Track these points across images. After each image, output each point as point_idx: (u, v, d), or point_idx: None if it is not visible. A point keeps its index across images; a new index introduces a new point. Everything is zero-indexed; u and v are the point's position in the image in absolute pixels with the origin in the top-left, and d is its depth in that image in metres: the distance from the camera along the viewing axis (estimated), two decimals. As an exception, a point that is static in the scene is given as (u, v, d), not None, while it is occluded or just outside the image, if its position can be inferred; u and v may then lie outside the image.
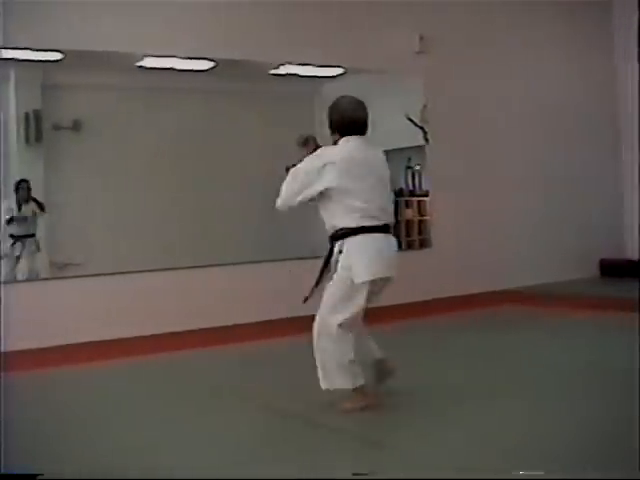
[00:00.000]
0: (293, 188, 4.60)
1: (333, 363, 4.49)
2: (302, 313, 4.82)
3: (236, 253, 8.17)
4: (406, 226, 9.50)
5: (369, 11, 8.80)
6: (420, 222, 9.59)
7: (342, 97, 4.81)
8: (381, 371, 4.83)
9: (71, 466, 3.79)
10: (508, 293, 9.15)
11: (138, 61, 7.78)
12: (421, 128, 9.26)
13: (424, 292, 8.65)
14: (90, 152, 7.70)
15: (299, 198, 4.59)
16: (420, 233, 9.57)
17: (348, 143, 4.65)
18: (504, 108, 10.06)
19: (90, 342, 6.93)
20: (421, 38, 9.30)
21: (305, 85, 8.84)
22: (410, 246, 9.68)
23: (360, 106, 4.75)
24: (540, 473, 3.34)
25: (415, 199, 9.75)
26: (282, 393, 5.06)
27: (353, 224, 4.50)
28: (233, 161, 8.40)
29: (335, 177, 4.49)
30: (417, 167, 9.66)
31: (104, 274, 7.44)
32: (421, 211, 9.61)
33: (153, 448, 4.05)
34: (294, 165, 4.67)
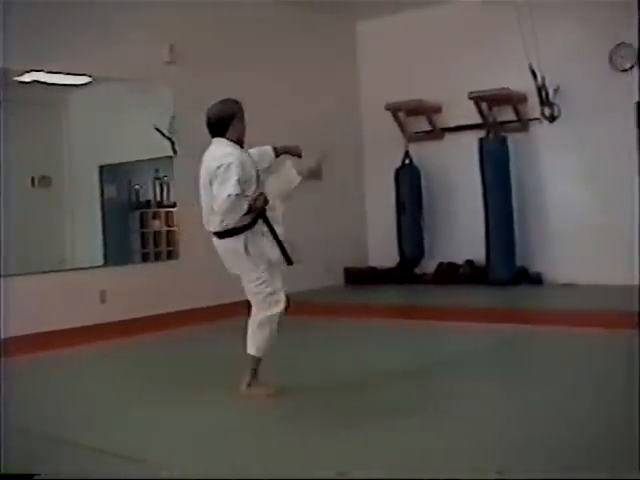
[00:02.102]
0: None
1: None
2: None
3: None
4: (154, 237, 9.35)
5: (118, 20, 8.55)
6: (168, 233, 9.25)
7: None
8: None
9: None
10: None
11: None
12: (169, 139, 8.94)
13: (172, 304, 8.69)
14: None
15: None
16: (168, 244, 9.26)
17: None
18: (255, 118, 8.94)
19: None
20: (171, 48, 8.96)
21: (53, 93, 8.45)
22: (158, 257, 9.33)
23: (213, 107, 4.91)
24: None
25: (163, 210, 9.23)
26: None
27: None
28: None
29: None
30: (165, 178, 9.16)
31: None
32: (169, 222, 9.23)
33: None
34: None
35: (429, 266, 10.86)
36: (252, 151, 5.12)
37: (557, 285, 9.68)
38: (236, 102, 4.99)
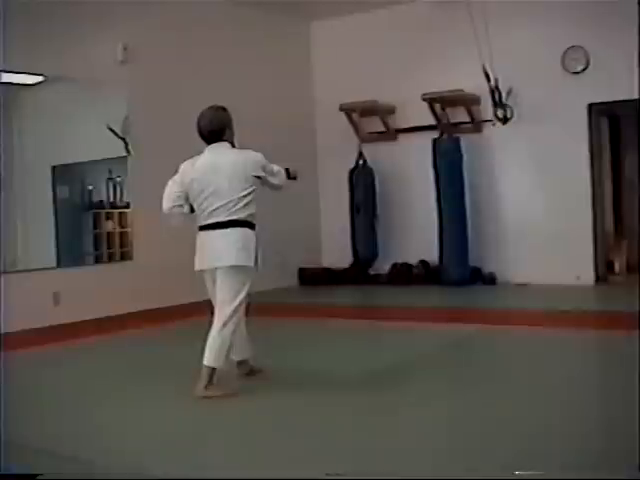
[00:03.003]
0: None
1: None
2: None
3: None
4: (107, 238, 9.30)
5: (71, 19, 8.35)
6: (121, 234, 9.23)
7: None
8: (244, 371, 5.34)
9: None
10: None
11: None
12: (123, 139, 8.88)
13: (126, 305, 8.61)
14: None
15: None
16: (122, 245, 9.23)
17: (202, 154, 5.09)
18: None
19: None
20: (125, 48, 8.89)
21: (4, 92, 8.27)
22: (111, 258, 9.28)
23: (205, 115, 5.09)
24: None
25: (116, 211, 9.20)
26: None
27: (199, 224, 5.04)
28: None
29: (181, 188, 5.10)
30: (118, 179, 9.12)
31: None
32: (122, 223, 9.20)
33: None
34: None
35: (383, 267, 10.88)
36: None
37: (511, 285, 9.78)
38: (224, 109, 5.20)
